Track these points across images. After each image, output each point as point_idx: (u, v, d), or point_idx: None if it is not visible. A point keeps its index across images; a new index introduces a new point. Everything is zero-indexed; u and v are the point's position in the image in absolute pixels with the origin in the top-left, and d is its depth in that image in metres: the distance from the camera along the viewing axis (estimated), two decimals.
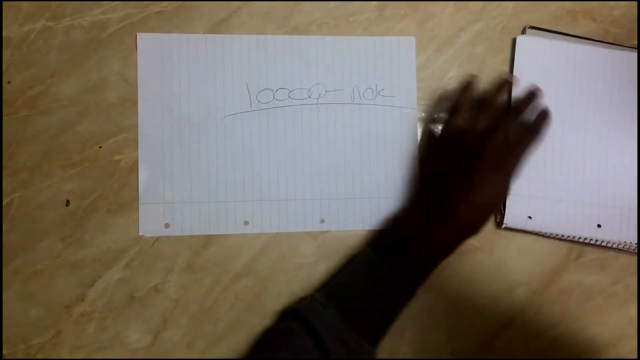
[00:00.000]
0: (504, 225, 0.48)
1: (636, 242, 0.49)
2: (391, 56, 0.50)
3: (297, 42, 0.49)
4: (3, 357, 0.45)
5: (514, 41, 0.51)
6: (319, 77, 0.50)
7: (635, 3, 0.52)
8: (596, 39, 0.51)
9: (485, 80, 0.51)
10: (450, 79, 0.50)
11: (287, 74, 0.49)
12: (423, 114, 0.50)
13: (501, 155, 0.43)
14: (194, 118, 0.48)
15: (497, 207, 0.48)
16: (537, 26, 0.51)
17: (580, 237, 0.49)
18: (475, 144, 0.43)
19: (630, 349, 0.49)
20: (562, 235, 0.49)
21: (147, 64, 0.48)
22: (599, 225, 0.49)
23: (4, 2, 0.47)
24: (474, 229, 0.43)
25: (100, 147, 0.47)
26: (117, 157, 0.47)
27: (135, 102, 0.48)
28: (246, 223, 0.48)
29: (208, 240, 0.48)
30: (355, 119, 0.50)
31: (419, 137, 0.50)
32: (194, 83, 0.49)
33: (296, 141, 0.49)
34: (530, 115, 0.46)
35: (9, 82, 0.47)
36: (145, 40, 0.48)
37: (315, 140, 0.49)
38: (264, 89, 0.49)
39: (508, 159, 0.44)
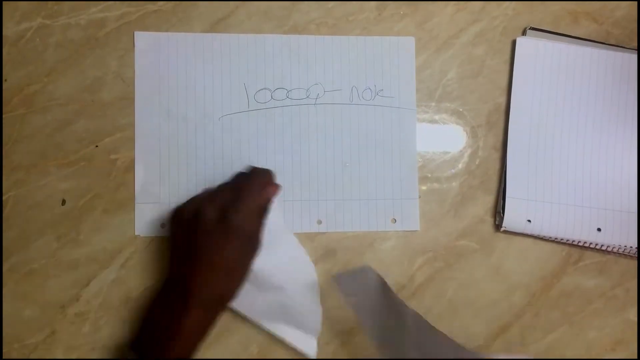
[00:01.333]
0: (502, 229, 0.48)
1: (636, 246, 0.48)
2: (390, 56, 0.50)
3: (296, 42, 0.49)
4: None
5: (514, 42, 0.50)
6: (318, 77, 0.49)
7: (637, 4, 0.52)
8: (597, 40, 0.51)
9: (484, 82, 0.50)
10: (449, 80, 0.50)
11: (285, 73, 0.49)
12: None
13: (222, 209, 0.40)
14: (191, 118, 0.48)
15: (238, 262, 0.41)
16: (538, 27, 0.50)
17: (579, 241, 0.49)
18: (195, 209, 0.41)
19: (629, 353, 0.48)
20: (562, 239, 0.49)
21: (144, 63, 0.48)
22: (598, 229, 0.49)
23: (2, 2, 0.47)
24: (223, 293, 0.41)
25: (97, 146, 0.47)
26: (113, 157, 0.47)
27: (132, 101, 0.47)
28: None
29: None
30: (353, 119, 0.49)
31: (417, 137, 0.49)
32: (191, 82, 0.48)
33: (294, 141, 0.49)
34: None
35: (5, 80, 0.47)
36: (142, 39, 0.48)
37: (313, 140, 0.49)
38: (261, 89, 0.49)
39: (230, 212, 0.40)
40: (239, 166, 0.48)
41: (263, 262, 0.45)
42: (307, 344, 0.46)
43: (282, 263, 0.46)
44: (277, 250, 0.46)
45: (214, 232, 0.40)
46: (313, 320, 0.46)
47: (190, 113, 0.48)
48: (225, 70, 0.49)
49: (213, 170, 0.48)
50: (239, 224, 0.40)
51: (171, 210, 0.44)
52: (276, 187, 0.44)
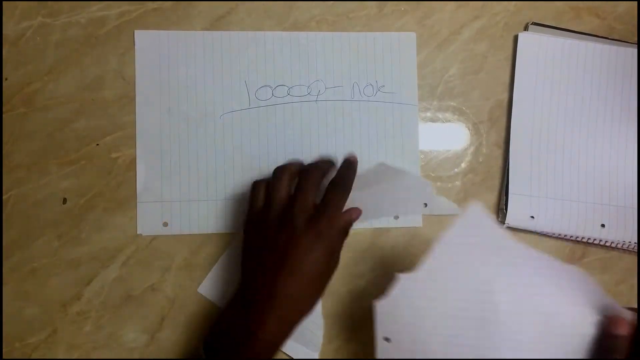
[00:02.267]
0: (505, 225, 0.48)
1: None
2: (391, 52, 0.49)
3: (296, 39, 0.49)
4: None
5: (516, 38, 0.50)
6: (319, 74, 0.49)
7: (637, 3, 0.51)
8: (600, 35, 0.50)
9: (486, 78, 0.50)
10: (451, 76, 0.50)
11: (286, 70, 0.49)
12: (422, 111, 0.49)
13: (311, 217, 0.38)
14: (192, 116, 0.48)
15: (322, 275, 0.39)
16: (540, 22, 0.50)
17: (583, 237, 0.48)
18: (282, 211, 0.40)
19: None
20: (565, 235, 0.48)
21: (144, 61, 0.48)
22: (602, 225, 0.48)
23: (2, 1, 0.47)
24: (303, 306, 0.38)
25: (98, 144, 0.47)
26: (114, 155, 0.47)
27: (132, 100, 0.47)
28: None
29: (206, 239, 0.47)
30: (355, 115, 0.49)
31: (419, 134, 0.49)
32: (192, 80, 0.48)
33: (295, 138, 0.48)
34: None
35: (5, 79, 0.47)
36: (143, 37, 0.48)
37: (315, 137, 0.49)
38: (262, 86, 0.49)
39: (321, 221, 0.38)
40: (241, 164, 0.48)
41: None
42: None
43: None
44: None
45: (303, 239, 0.38)
46: (315, 333, 0.46)
47: (191, 111, 0.48)
48: (226, 68, 0.48)
49: (215, 167, 0.48)
50: (330, 233, 0.38)
51: (251, 207, 0.42)
52: (360, 211, 0.41)
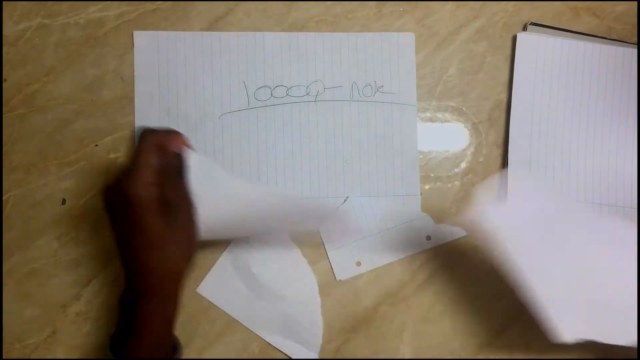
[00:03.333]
0: None
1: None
2: (390, 52, 0.50)
3: (295, 39, 0.49)
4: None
5: (514, 38, 0.50)
6: (318, 74, 0.49)
7: (636, 3, 0.51)
8: (599, 35, 0.50)
9: (485, 78, 0.50)
10: (450, 77, 0.50)
11: (284, 71, 0.49)
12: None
13: (117, 184, 0.36)
14: (191, 116, 0.48)
15: (167, 232, 0.36)
16: (539, 23, 0.50)
17: None
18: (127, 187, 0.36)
19: (633, 350, 0.48)
20: None
21: (143, 62, 0.48)
22: None
23: (1, 1, 0.47)
24: (171, 273, 0.37)
25: (97, 145, 0.47)
26: (113, 156, 0.47)
27: (131, 100, 0.47)
28: None
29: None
30: (354, 115, 0.49)
31: (418, 134, 0.49)
32: (190, 81, 0.48)
33: (294, 139, 0.49)
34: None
35: (5, 80, 0.47)
36: (141, 38, 0.48)
37: (314, 137, 0.49)
38: (261, 87, 0.49)
39: (125, 184, 0.35)
40: (240, 164, 0.48)
41: (264, 267, 0.45)
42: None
43: (284, 271, 0.46)
44: (278, 256, 0.46)
45: (119, 212, 0.36)
46: (314, 334, 0.46)
47: (190, 112, 0.48)
48: (225, 69, 0.48)
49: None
50: (138, 193, 0.35)
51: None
52: (176, 138, 0.38)
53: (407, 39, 0.50)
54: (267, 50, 0.49)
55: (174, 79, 0.48)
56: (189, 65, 0.48)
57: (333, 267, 0.47)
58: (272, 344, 0.46)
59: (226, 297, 0.46)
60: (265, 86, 0.49)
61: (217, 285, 0.47)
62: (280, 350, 0.46)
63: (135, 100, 0.47)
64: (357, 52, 0.49)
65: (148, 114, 0.48)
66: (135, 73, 0.48)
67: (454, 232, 0.48)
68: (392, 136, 0.49)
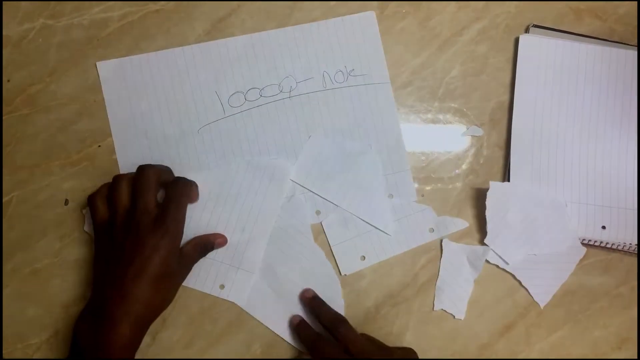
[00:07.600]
0: None
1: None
2: (355, 35, 0.49)
3: (258, 40, 0.49)
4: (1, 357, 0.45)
5: (517, 40, 0.50)
6: (287, 70, 0.49)
7: (637, 3, 0.51)
8: (601, 37, 0.50)
9: (487, 80, 0.50)
10: (452, 78, 0.50)
11: (253, 73, 0.49)
12: None
13: (155, 217, 0.40)
14: (169, 134, 0.48)
15: (173, 273, 0.41)
16: (541, 24, 0.50)
17: (584, 239, 0.48)
18: (126, 216, 0.41)
19: (635, 352, 0.48)
20: None
21: (112, 90, 0.48)
22: (603, 227, 0.48)
23: (3, 1, 0.47)
24: (155, 305, 0.40)
25: (99, 145, 0.47)
26: (115, 156, 0.47)
27: None
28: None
29: None
30: (331, 104, 0.49)
31: (395, 111, 0.49)
32: (162, 100, 0.48)
33: (277, 138, 0.48)
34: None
35: (8, 80, 0.47)
36: (105, 68, 0.48)
37: (295, 133, 0.48)
38: (234, 93, 0.48)
39: (166, 217, 0.40)
40: (228, 172, 0.48)
41: (287, 267, 0.46)
42: None
43: (307, 274, 0.46)
44: (302, 259, 0.46)
45: (149, 239, 0.39)
46: None
47: (168, 131, 0.48)
48: (194, 82, 0.48)
49: (202, 181, 0.47)
50: (178, 229, 0.40)
51: (94, 220, 0.43)
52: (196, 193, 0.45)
53: (369, 18, 0.50)
54: (232, 56, 0.48)
55: (146, 101, 0.48)
56: (158, 85, 0.48)
57: (337, 262, 0.47)
58: (290, 342, 0.46)
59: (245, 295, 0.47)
60: (237, 92, 0.48)
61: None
62: (284, 341, 0.46)
63: (112, 128, 0.47)
64: (322, 41, 0.49)
65: (127, 140, 0.47)
66: (106, 103, 0.47)
67: (457, 223, 0.48)
68: (372, 117, 0.49)
